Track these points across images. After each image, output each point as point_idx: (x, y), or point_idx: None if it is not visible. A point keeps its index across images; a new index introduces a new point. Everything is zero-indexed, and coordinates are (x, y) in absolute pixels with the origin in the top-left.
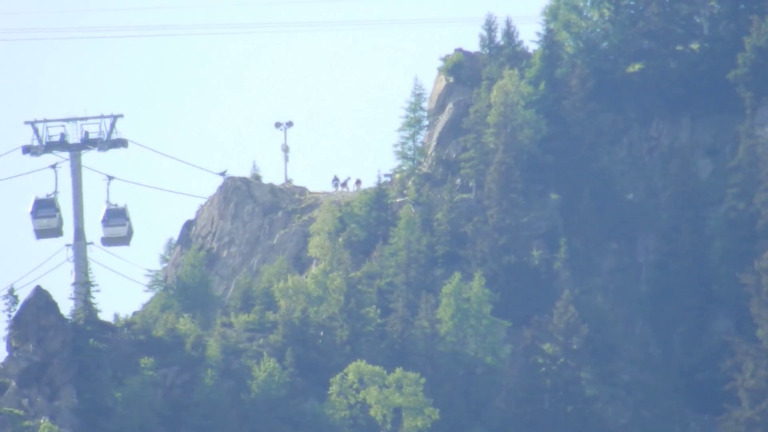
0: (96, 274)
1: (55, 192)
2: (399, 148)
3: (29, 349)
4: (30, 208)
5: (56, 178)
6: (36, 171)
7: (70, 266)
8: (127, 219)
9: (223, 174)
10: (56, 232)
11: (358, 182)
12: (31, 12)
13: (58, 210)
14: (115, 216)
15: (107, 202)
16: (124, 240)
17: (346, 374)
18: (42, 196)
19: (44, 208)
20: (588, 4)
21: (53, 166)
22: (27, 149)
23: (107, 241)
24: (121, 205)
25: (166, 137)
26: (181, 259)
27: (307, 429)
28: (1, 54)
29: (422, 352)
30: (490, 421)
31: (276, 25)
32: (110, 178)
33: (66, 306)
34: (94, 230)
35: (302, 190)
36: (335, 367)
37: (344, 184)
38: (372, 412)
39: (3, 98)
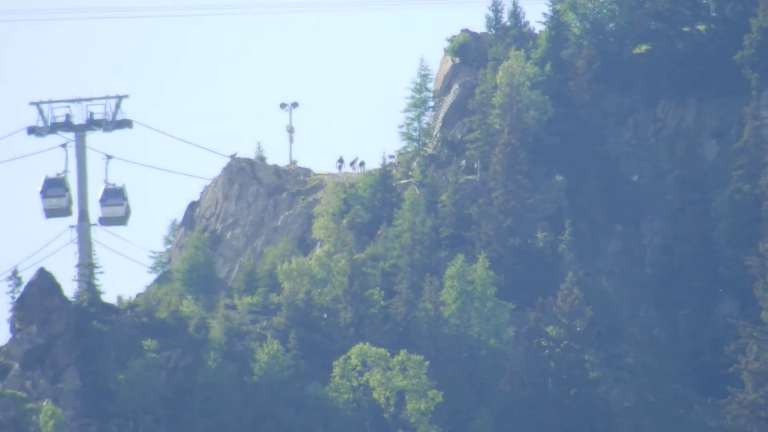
0: (99, 255)
1: (65, 171)
2: (404, 129)
3: (32, 331)
4: (40, 187)
5: (66, 158)
6: (41, 152)
7: (74, 248)
8: (125, 199)
9: (233, 156)
10: (65, 211)
11: (362, 164)
12: None
13: (67, 189)
14: (113, 195)
15: (105, 181)
16: (122, 220)
17: (349, 357)
18: (52, 175)
19: (54, 187)
20: None
21: (63, 146)
22: (32, 130)
23: (105, 221)
24: (119, 184)
25: (171, 118)
26: (184, 240)
27: (310, 411)
28: (6, 35)
29: (426, 335)
30: (493, 403)
31: (281, 5)
32: (109, 157)
33: (69, 288)
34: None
35: (307, 172)
36: (339, 350)
37: (354, 164)
38: (375, 395)
39: (8, 79)
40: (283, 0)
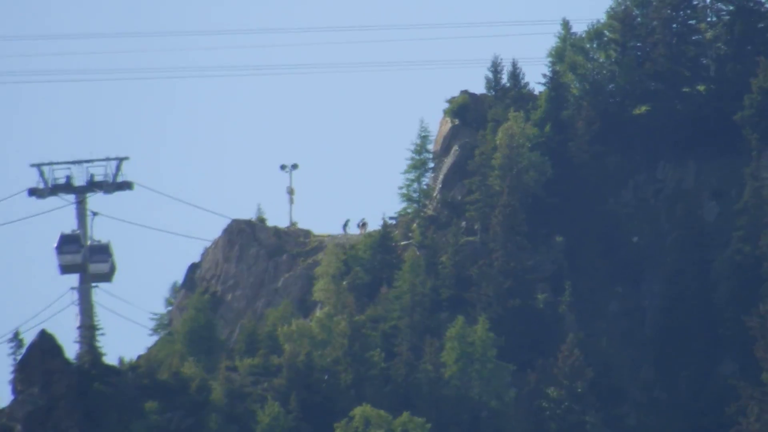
0: (101, 317)
1: (80, 228)
2: (404, 191)
3: (34, 392)
4: (55, 244)
5: (83, 215)
6: (42, 213)
7: (75, 309)
8: (110, 255)
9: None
10: (81, 267)
11: (364, 224)
12: (35, 55)
13: (82, 246)
14: (98, 252)
15: (90, 238)
16: (107, 277)
17: (352, 418)
18: (67, 231)
19: (69, 243)
20: (594, 45)
21: (78, 202)
22: (32, 192)
23: (90, 278)
24: (104, 241)
25: (171, 180)
26: (185, 302)
27: None
28: (7, 96)
29: (427, 396)
30: None
31: (281, 67)
32: (94, 214)
33: (71, 349)
34: None
35: (307, 233)
36: (340, 411)
37: (360, 225)
38: None
39: (8, 141)
40: (282, 61)
